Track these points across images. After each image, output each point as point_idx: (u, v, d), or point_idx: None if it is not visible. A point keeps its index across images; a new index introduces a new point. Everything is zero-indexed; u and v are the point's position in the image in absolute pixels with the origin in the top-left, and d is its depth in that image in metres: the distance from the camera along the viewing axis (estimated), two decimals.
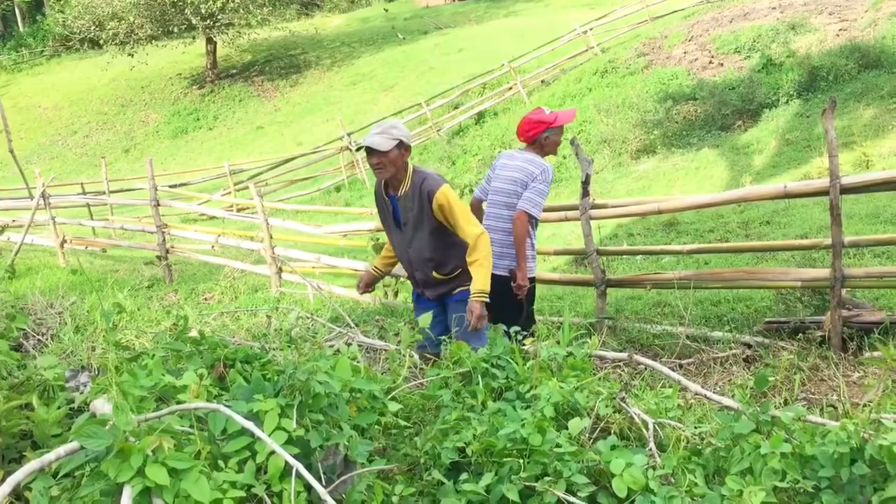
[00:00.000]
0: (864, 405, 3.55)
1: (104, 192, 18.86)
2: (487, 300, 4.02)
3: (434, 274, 4.27)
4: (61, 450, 2.07)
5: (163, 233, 11.05)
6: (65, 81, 37.62)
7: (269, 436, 2.14)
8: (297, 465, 2.11)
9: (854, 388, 4.37)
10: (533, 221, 4.97)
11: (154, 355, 2.56)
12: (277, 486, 2.15)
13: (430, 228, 4.15)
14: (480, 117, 23.69)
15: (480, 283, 4.02)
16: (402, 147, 4.06)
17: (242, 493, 2.08)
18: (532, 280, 5.02)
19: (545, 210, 7.36)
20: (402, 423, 2.80)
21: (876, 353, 4.41)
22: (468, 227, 4.08)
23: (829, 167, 4.82)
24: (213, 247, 11.09)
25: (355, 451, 2.35)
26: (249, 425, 2.15)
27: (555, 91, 23.18)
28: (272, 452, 2.13)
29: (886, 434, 2.39)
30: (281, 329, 3.23)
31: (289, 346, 2.92)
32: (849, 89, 16.98)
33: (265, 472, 2.16)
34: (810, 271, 5.41)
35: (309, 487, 2.15)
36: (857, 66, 17.57)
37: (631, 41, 24.60)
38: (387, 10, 41.75)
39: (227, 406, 2.24)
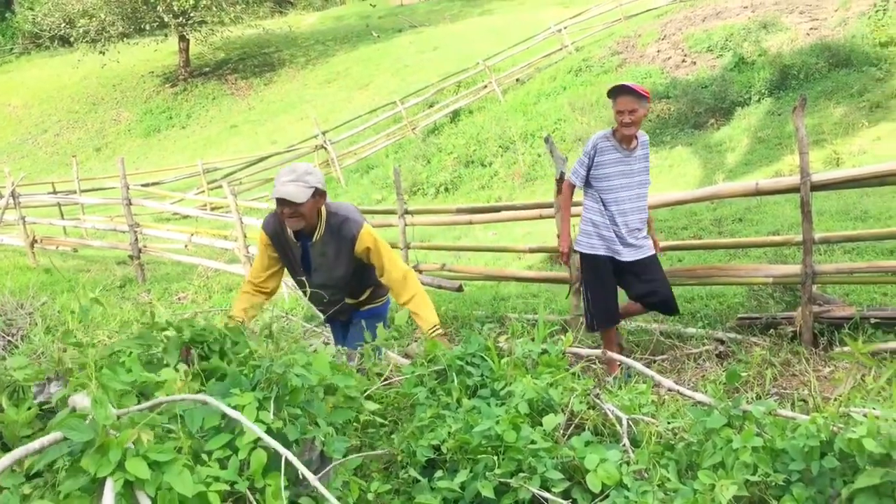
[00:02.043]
0: (836, 399, 3.60)
1: (75, 192, 18.64)
2: (443, 332, 3.80)
3: (347, 300, 4.10)
4: (45, 440, 2.05)
5: (135, 232, 10.96)
6: (35, 79, 37.12)
7: (248, 430, 2.12)
8: (286, 453, 2.09)
9: (825, 382, 4.43)
10: (576, 189, 5.17)
11: (131, 352, 2.53)
12: (260, 482, 2.13)
13: (351, 269, 3.92)
14: (455, 115, 23.70)
15: (432, 316, 3.75)
16: (318, 194, 3.67)
17: (226, 487, 2.06)
18: (583, 257, 5.12)
19: (520, 208, 7.41)
20: (379, 420, 2.79)
21: (846, 349, 4.47)
22: (394, 269, 3.85)
23: (800, 165, 4.88)
24: (186, 246, 11.02)
25: (332, 447, 2.35)
26: (236, 414, 2.13)
27: (529, 89, 23.24)
28: (254, 448, 2.11)
29: (855, 427, 2.42)
30: (259, 324, 3.20)
31: (266, 340, 2.90)
32: (819, 88, 17.18)
33: (248, 468, 2.14)
34: (782, 268, 5.48)
35: (291, 483, 2.14)
36: (827, 65, 17.79)
37: (605, 40, 24.73)
38: (374, 6, 41.62)
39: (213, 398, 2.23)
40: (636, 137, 4.88)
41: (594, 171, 4.94)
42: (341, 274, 3.92)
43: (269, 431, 2.17)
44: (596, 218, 4.99)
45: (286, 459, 2.10)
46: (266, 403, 2.28)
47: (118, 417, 2.06)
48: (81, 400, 2.24)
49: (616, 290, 5.14)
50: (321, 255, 3.89)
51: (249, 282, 4.09)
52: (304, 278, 3.89)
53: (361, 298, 4.19)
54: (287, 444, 2.21)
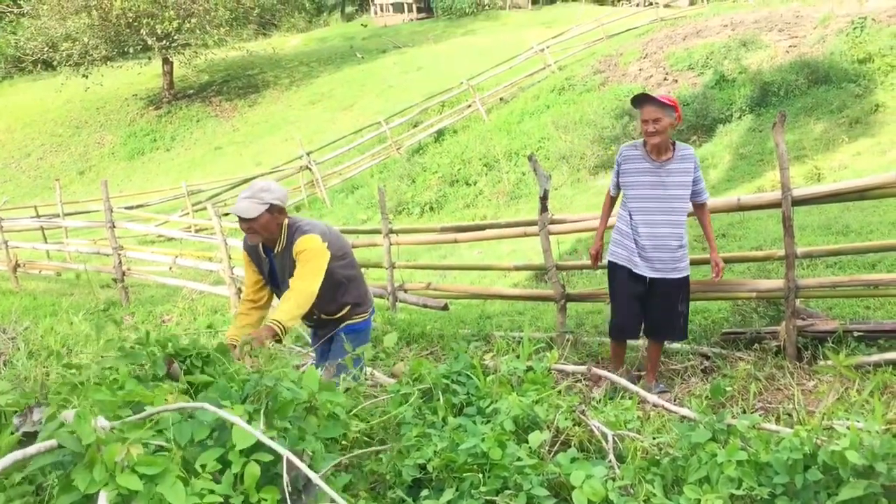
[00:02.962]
0: (820, 412, 3.62)
1: (58, 215, 18.54)
2: (279, 333, 3.67)
3: (324, 316, 4.20)
4: (41, 445, 2.03)
5: (119, 255, 10.90)
6: (17, 103, 36.97)
7: (237, 443, 2.10)
8: (287, 454, 2.08)
9: (809, 396, 4.44)
10: (616, 201, 5.11)
11: (118, 369, 2.51)
12: (255, 497, 2.11)
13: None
14: (440, 135, 23.78)
15: (280, 315, 3.71)
16: (274, 210, 3.89)
17: (220, 499, 2.04)
18: (610, 266, 5.03)
19: (504, 226, 7.42)
20: (367, 439, 2.79)
21: (829, 362, 4.49)
22: (298, 279, 3.87)
23: (781, 180, 4.92)
24: (170, 268, 10.97)
25: (319, 463, 2.33)
26: (235, 419, 2.11)
27: (513, 108, 23.37)
28: (247, 462, 2.10)
29: (839, 440, 2.43)
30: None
31: (248, 355, 2.89)
32: (799, 104, 17.37)
33: (241, 483, 2.12)
34: (765, 282, 5.51)
35: (283, 498, 2.13)
36: (806, 82, 18.00)
37: (587, 59, 24.93)
38: (365, 26, 41.81)
39: (213, 404, 2.21)
40: (672, 150, 4.76)
41: (622, 179, 4.90)
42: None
43: (258, 444, 2.16)
44: (622, 227, 4.93)
45: (286, 462, 2.08)
46: (256, 416, 2.27)
47: (112, 429, 2.04)
48: (71, 416, 2.21)
49: (630, 304, 4.99)
50: (282, 267, 4.04)
51: (244, 300, 4.29)
52: (276, 293, 4.15)
53: (338, 315, 4.23)
54: (276, 458, 2.20)
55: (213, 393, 2.40)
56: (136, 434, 2.06)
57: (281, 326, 3.66)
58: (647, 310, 4.96)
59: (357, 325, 4.27)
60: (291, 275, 3.95)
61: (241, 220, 3.86)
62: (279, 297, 4.12)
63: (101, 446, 1.96)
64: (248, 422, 2.20)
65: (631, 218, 4.86)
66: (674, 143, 4.80)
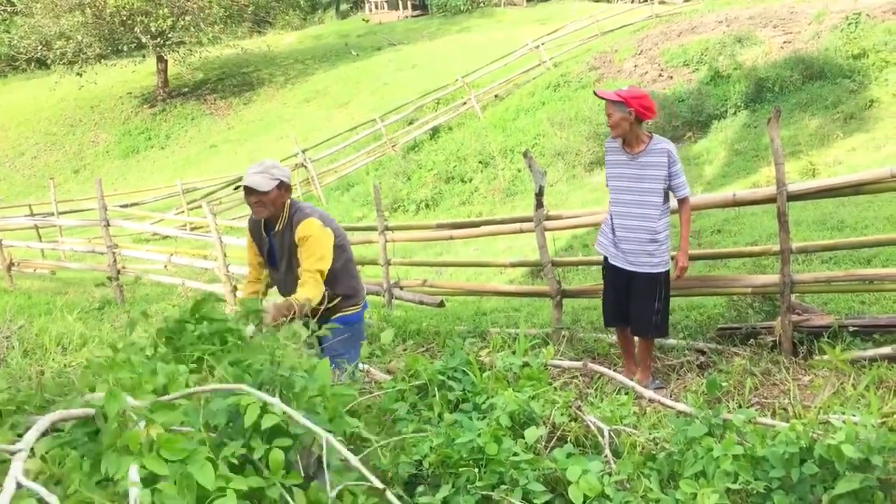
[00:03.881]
0: (815, 407, 3.62)
1: (53, 214, 18.49)
2: (295, 311, 3.69)
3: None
4: (75, 411, 2.01)
5: (113, 253, 10.87)
6: (11, 102, 36.86)
7: (264, 423, 2.07)
8: (327, 436, 2.05)
9: (805, 390, 4.45)
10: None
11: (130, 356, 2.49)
12: (276, 479, 2.05)
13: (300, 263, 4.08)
14: (435, 132, 23.76)
15: (301, 296, 3.81)
16: (283, 187, 4.08)
17: (245, 487, 1.99)
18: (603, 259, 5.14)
19: (500, 222, 7.42)
20: (366, 435, 2.78)
21: (825, 357, 4.50)
22: (305, 263, 3.96)
23: (776, 175, 4.93)
24: (165, 266, 10.94)
25: (332, 453, 2.31)
26: (275, 401, 2.07)
27: (508, 105, 23.36)
28: (269, 448, 2.06)
29: (834, 434, 2.44)
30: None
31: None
32: (794, 100, 17.38)
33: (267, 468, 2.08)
34: (760, 277, 5.52)
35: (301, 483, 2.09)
36: (801, 78, 18.00)
37: (582, 55, 24.91)
38: (366, 21, 41.79)
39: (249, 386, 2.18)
40: (645, 142, 4.86)
41: (606, 171, 5.09)
42: (297, 265, 4.08)
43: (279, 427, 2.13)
44: (607, 217, 5.13)
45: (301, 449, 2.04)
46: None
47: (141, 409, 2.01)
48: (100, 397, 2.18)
49: (609, 292, 5.17)
50: (280, 246, 4.17)
51: (248, 280, 4.52)
52: (273, 274, 4.28)
53: (330, 305, 4.21)
54: (289, 446, 2.17)
55: (227, 381, 2.36)
56: (167, 416, 2.02)
57: (298, 304, 3.74)
58: (628, 303, 5.03)
59: (348, 316, 4.28)
60: (290, 255, 4.07)
61: (252, 193, 3.98)
62: (274, 279, 4.30)
63: (129, 425, 1.93)
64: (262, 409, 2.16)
65: (610, 209, 5.05)
66: (651, 137, 4.91)
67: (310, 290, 3.88)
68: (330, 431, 2.37)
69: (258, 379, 2.35)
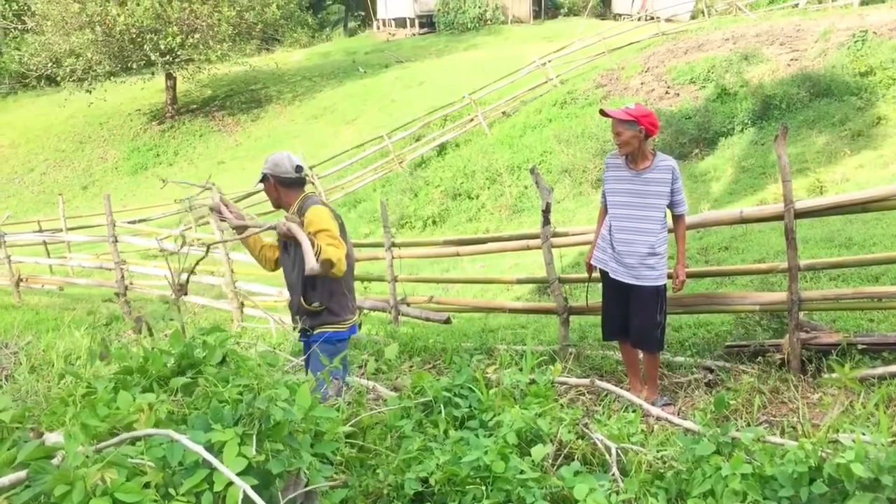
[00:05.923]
0: (825, 425, 3.59)
1: (61, 230, 18.55)
2: (295, 223, 3.83)
3: (302, 301, 4.28)
4: (13, 476, 2.02)
5: (121, 269, 10.90)
6: (21, 119, 37.10)
7: (228, 462, 2.08)
8: (244, 486, 2.04)
9: (814, 408, 4.42)
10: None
11: (111, 383, 2.50)
12: None
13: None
14: (442, 149, 23.81)
15: (327, 251, 3.84)
16: (269, 181, 4.30)
17: None
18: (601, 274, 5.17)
19: (507, 239, 7.42)
20: (361, 456, 2.77)
21: (834, 375, 4.47)
22: (323, 235, 3.96)
23: (783, 192, 4.91)
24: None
25: (316, 477, 2.31)
26: (200, 449, 2.09)
27: (515, 122, 23.41)
28: (230, 483, 2.07)
29: (844, 453, 2.41)
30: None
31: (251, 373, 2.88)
32: (801, 117, 17.38)
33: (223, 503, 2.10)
34: (768, 295, 5.49)
35: None
36: (808, 95, 18.01)
37: (589, 73, 24.97)
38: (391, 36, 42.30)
39: (183, 434, 2.18)
40: (650, 159, 4.92)
41: (605, 187, 5.11)
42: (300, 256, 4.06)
43: (251, 466, 2.13)
44: (605, 232, 5.11)
45: (266, 497, 2.06)
46: (248, 439, 2.24)
47: (97, 452, 2.03)
48: (55, 437, 2.20)
49: (608, 306, 5.17)
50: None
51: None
52: (284, 260, 4.39)
53: (313, 307, 4.24)
54: (271, 479, 2.18)
55: (205, 415, 2.37)
56: (115, 455, 2.03)
57: (296, 219, 3.92)
58: (628, 317, 5.04)
59: (330, 334, 4.22)
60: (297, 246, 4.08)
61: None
62: (284, 266, 4.42)
63: (82, 469, 1.95)
64: (240, 444, 2.18)
65: (611, 223, 5.04)
66: (656, 153, 4.98)
67: (333, 251, 3.85)
68: (315, 456, 2.38)
69: (236, 412, 2.35)
